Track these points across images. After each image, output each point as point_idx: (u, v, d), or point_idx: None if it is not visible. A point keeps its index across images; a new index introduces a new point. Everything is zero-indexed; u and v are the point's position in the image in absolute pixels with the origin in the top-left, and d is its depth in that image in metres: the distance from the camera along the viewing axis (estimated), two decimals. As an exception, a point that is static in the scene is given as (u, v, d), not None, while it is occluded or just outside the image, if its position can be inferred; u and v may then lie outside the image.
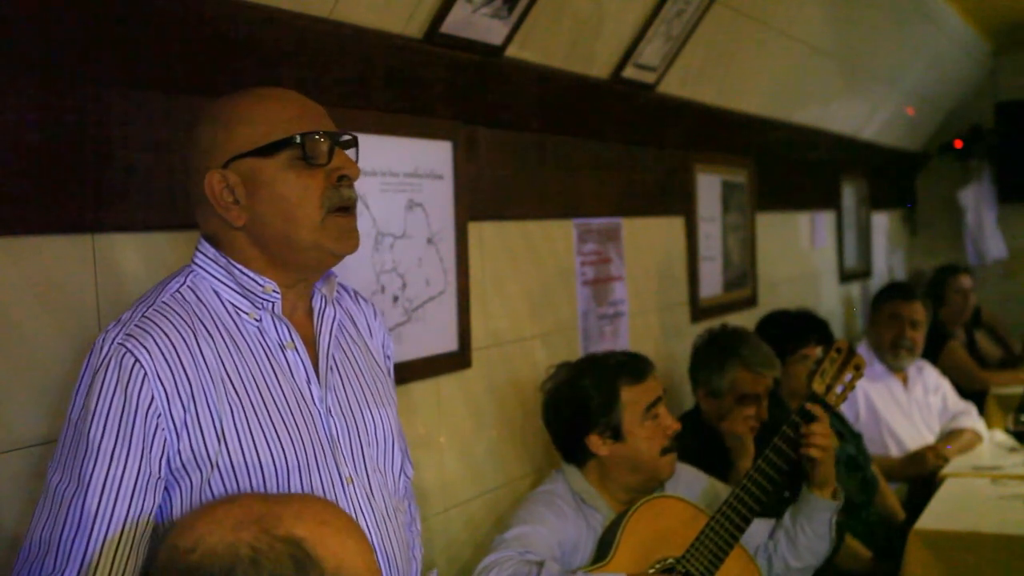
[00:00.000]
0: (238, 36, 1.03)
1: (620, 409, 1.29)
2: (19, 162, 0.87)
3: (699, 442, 1.65)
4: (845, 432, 1.95)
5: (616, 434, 1.29)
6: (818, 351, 1.81)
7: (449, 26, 1.26)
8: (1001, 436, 2.26)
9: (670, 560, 1.22)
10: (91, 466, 0.75)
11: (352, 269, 1.22)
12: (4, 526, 0.86)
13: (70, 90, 0.90)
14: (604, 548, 1.23)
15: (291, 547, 0.55)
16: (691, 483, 1.38)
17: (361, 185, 1.25)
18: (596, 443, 1.29)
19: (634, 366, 1.32)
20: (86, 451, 0.76)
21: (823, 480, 1.25)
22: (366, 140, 1.23)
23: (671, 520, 1.25)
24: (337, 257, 0.85)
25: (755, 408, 1.63)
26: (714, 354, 1.67)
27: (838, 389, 1.27)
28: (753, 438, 1.68)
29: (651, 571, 1.21)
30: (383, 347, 0.97)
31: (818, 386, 1.27)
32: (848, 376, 1.28)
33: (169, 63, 0.98)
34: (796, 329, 1.89)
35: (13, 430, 0.87)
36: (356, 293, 0.97)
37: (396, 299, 1.30)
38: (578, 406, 1.31)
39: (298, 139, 0.81)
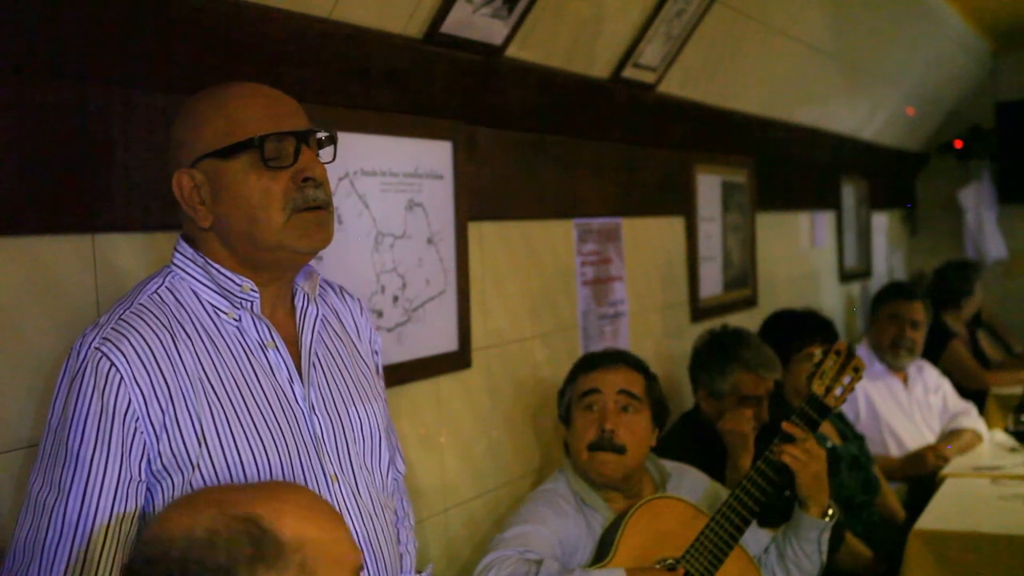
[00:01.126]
0: (238, 36, 1.03)
1: (567, 396, 1.35)
2: (19, 162, 0.87)
3: (699, 442, 1.65)
4: (848, 432, 1.95)
5: (567, 422, 1.34)
6: (822, 350, 1.82)
7: (449, 26, 1.26)
8: (1001, 436, 2.26)
9: (670, 560, 1.22)
10: (71, 473, 0.75)
11: (352, 269, 1.22)
12: (4, 525, 0.86)
13: (70, 90, 0.90)
14: (604, 548, 1.23)
15: (247, 524, 0.54)
16: (693, 484, 1.38)
17: (362, 185, 1.26)
18: (563, 428, 1.36)
19: (594, 357, 1.37)
20: (66, 458, 0.76)
21: (808, 496, 1.24)
22: (366, 140, 1.24)
23: (671, 521, 1.25)
24: (306, 255, 0.84)
25: (755, 409, 1.64)
26: (715, 356, 1.68)
27: (837, 391, 1.28)
28: (754, 438, 1.69)
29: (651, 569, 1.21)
30: (370, 343, 0.95)
31: (817, 388, 1.27)
32: (847, 378, 1.28)
33: (169, 63, 0.98)
34: (801, 328, 1.89)
35: (13, 430, 0.87)
36: (342, 289, 0.96)
37: (396, 299, 1.30)
38: (559, 392, 1.39)
39: (257, 141, 0.79)
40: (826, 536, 1.26)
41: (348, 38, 1.15)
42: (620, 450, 1.27)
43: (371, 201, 1.26)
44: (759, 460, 1.25)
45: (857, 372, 1.29)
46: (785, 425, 1.25)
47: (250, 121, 0.80)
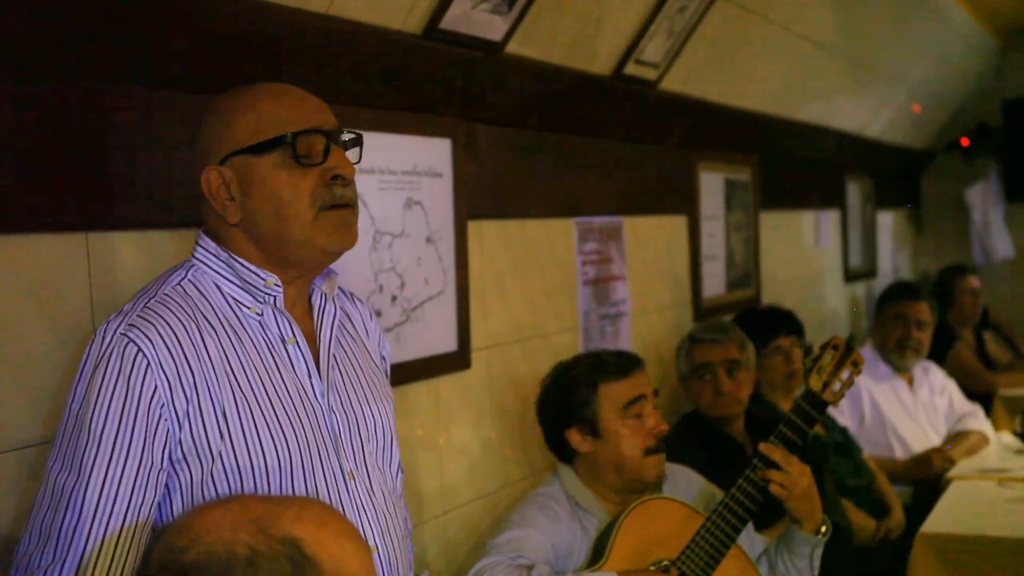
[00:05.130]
0: (236, 32, 1.02)
1: (597, 404, 1.29)
2: (12, 159, 0.86)
3: (699, 442, 1.65)
4: (829, 422, 1.96)
5: (594, 430, 1.29)
6: (789, 342, 1.84)
7: (448, 22, 1.24)
8: (1008, 438, 2.25)
9: (665, 562, 1.21)
10: (92, 456, 0.75)
11: (350, 268, 1.20)
12: (-4, 526, 0.85)
13: (66, 86, 0.89)
14: (599, 551, 1.22)
15: (289, 548, 0.54)
16: (688, 486, 1.36)
17: (359, 183, 1.24)
18: (576, 439, 1.30)
19: (618, 363, 1.32)
20: (88, 441, 0.75)
21: (800, 515, 1.22)
22: (365, 138, 1.22)
23: (666, 522, 1.23)
24: (332, 254, 0.84)
25: (712, 377, 1.67)
26: (678, 347, 1.76)
27: (835, 386, 1.25)
28: (746, 428, 1.69)
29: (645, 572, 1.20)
30: (379, 347, 0.97)
31: (814, 383, 1.25)
32: (846, 373, 1.26)
33: (167, 59, 0.97)
34: (765, 323, 1.91)
35: (6, 431, 0.86)
36: (352, 294, 0.97)
37: (395, 299, 1.29)
38: (560, 400, 1.32)
39: (289, 138, 0.80)
40: (818, 552, 1.24)
41: (346, 34, 1.14)
42: (666, 447, 1.29)
43: (369, 199, 1.25)
44: (740, 478, 1.22)
45: (856, 367, 1.26)
46: (762, 446, 1.22)
47: (282, 119, 0.81)
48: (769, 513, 1.33)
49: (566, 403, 1.31)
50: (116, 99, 0.93)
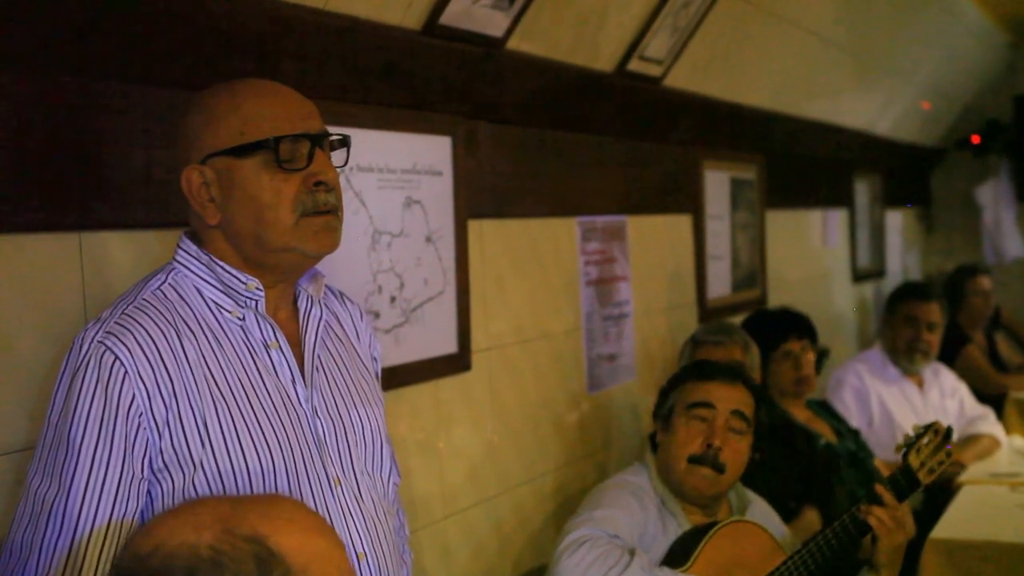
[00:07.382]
0: (232, 29, 1.01)
1: (673, 398, 1.31)
2: (5, 158, 0.84)
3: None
4: (842, 429, 1.94)
5: (666, 424, 1.31)
6: (800, 346, 1.81)
7: (448, 18, 1.23)
8: (1020, 442, 2.24)
9: None
10: (72, 468, 0.74)
11: (348, 268, 1.19)
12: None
13: (61, 84, 0.88)
14: (678, 554, 1.22)
15: (254, 546, 0.53)
16: (766, 519, 1.35)
17: (358, 182, 1.23)
18: (658, 426, 1.34)
19: (714, 368, 1.34)
20: (67, 453, 0.74)
21: (882, 564, 1.22)
22: (363, 135, 1.21)
23: (752, 548, 1.24)
24: (313, 258, 0.83)
25: None
26: (681, 349, 1.76)
27: (928, 469, 1.29)
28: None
29: None
30: (370, 348, 0.95)
31: (913, 460, 1.28)
32: (939, 461, 1.30)
33: (162, 57, 0.96)
34: (776, 326, 1.89)
35: (-5, 435, 0.85)
36: (342, 294, 0.96)
37: (394, 299, 1.27)
38: (661, 392, 1.37)
39: (272, 142, 0.79)
40: None
41: (344, 30, 1.13)
42: (721, 469, 1.26)
43: (368, 198, 1.23)
44: (845, 515, 1.25)
45: (949, 456, 1.31)
46: (878, 487, 1.25)
47: (266, 121, 0.79)
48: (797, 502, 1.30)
49: (662, 394, 1.36)
50: (110, 98, 0.92)
